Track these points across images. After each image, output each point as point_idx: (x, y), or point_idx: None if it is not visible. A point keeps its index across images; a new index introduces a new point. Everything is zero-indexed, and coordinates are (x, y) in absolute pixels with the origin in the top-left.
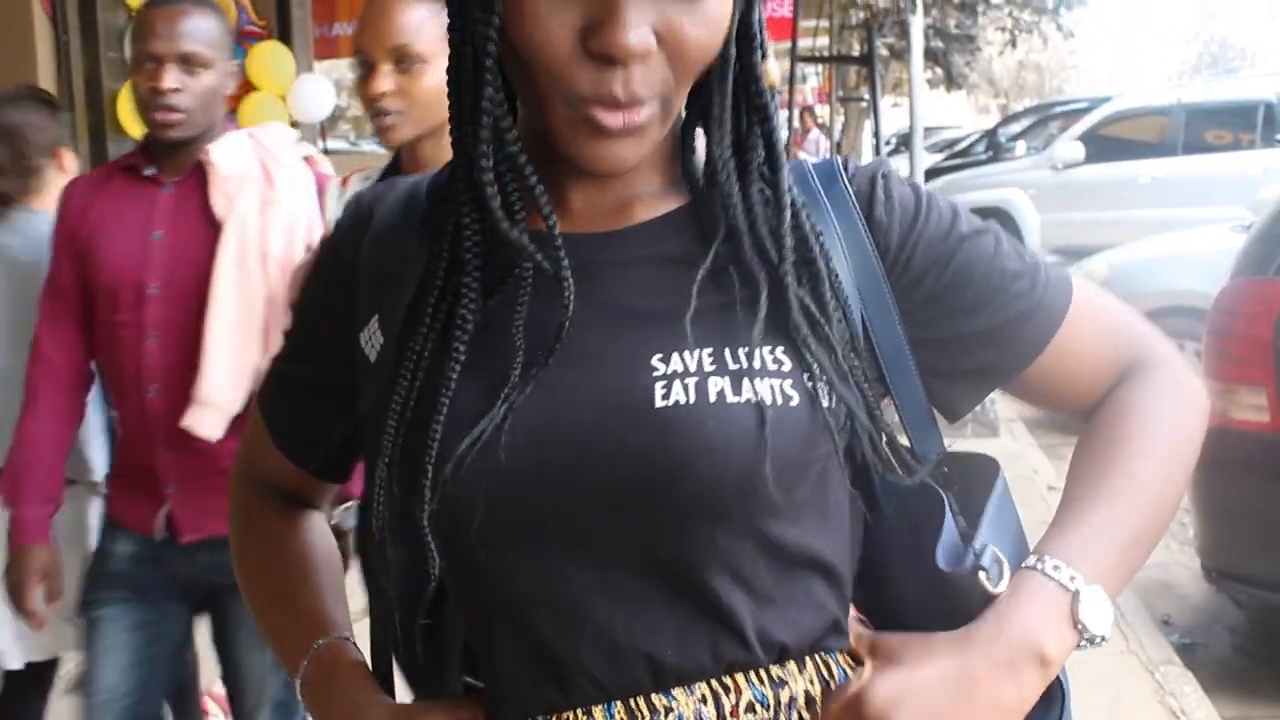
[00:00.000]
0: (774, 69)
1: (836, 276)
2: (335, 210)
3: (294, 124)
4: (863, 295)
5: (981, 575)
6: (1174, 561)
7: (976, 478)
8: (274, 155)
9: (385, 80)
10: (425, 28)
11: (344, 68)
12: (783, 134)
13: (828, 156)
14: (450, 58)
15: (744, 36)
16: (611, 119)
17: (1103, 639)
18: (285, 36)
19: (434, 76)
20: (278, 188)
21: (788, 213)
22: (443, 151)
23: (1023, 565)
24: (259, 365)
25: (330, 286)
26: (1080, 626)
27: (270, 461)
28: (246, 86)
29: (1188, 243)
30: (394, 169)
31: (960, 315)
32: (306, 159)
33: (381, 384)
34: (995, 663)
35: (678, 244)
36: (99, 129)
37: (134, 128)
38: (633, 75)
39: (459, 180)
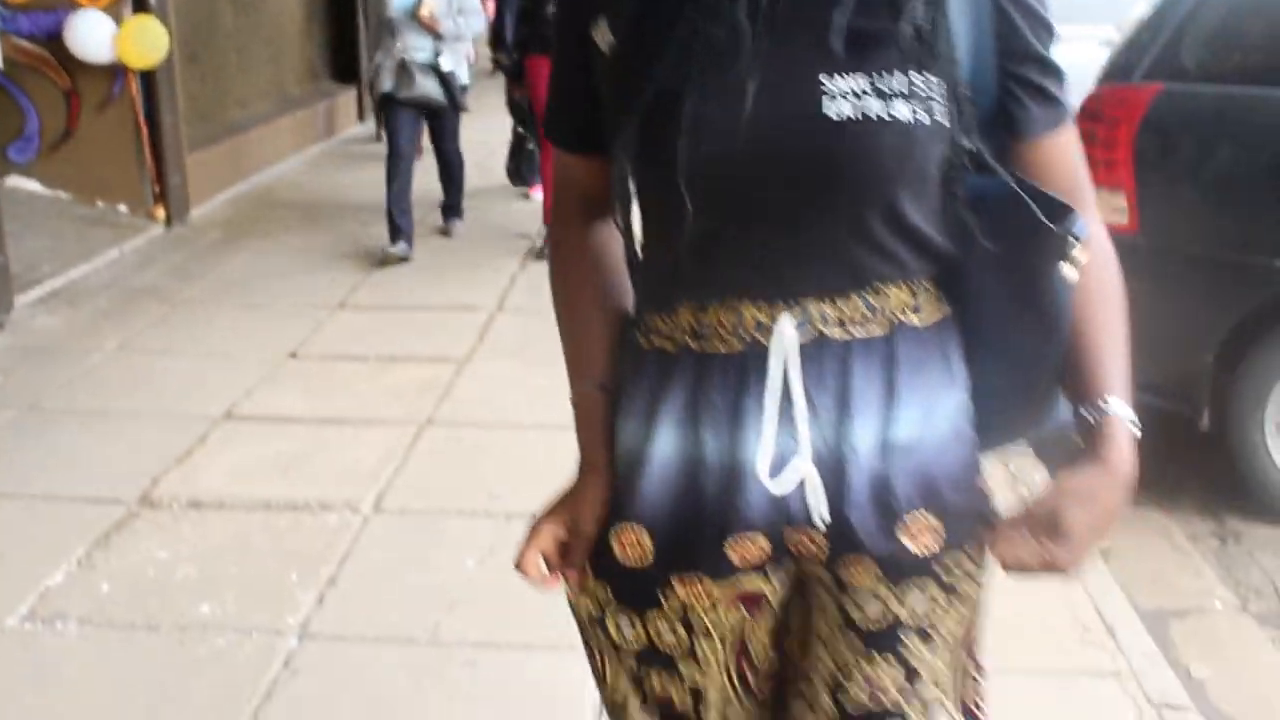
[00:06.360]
0: None
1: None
2: None
3: None
4: (970, 19)
5: (1074, 242)
6: None
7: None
8: None
9: None
10: None
11: None
12: None
13: None
14: None
15: None
16: None
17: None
18: None
19: None
20: None
21: None
22: None
23: (1104, 409)
24: None
25: None
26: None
27: (567, 173)
28: None
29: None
30: None
31: (1019, 60)
32: None
33: (615, 79)
34: (1122, 482)
35: None
36: None
37: None
38: None
39: None
